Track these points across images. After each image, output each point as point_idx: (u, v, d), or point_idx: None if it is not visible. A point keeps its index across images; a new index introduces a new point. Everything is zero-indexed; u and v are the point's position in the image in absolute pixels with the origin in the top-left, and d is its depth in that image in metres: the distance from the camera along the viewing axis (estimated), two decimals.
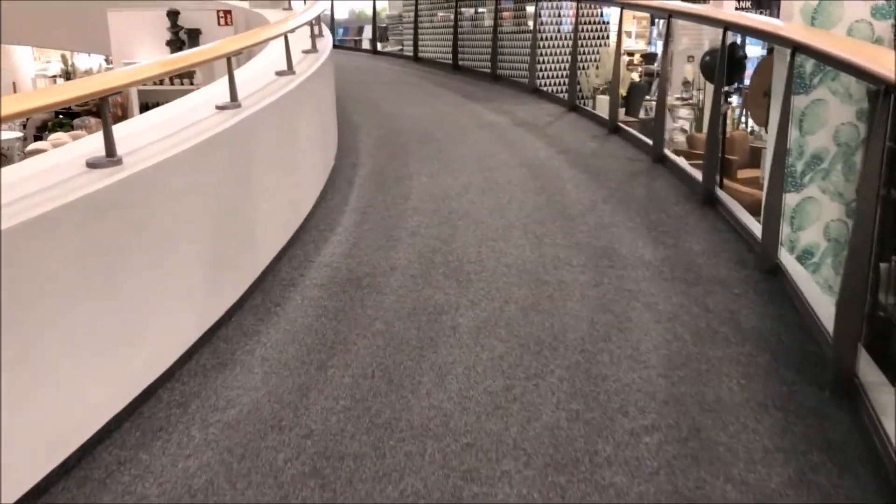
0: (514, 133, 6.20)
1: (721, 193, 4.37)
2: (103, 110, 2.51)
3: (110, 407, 2.36)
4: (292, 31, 4.61)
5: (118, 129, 2.75)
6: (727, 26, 4.20)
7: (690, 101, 12.46)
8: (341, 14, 20.85)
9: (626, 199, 4.51)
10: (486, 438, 2.29)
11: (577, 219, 4.17)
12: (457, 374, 2.65)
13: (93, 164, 2.46)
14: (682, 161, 5.11)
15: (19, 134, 10.06)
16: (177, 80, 7.98)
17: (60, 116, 11.78)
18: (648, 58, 16.99)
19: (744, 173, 7.70)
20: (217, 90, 3.72)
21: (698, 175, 4.67)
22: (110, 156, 2.49)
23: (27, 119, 11.66)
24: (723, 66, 4.29)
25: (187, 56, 3.53)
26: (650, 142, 5.55)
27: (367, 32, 18.96)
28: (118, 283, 2.38)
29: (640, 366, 2.70)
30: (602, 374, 2.65)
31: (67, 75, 14.29)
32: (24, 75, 15.47)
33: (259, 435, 2.33)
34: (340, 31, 20.59)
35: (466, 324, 2.99)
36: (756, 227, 3.87)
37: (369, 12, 20.66)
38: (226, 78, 3.44)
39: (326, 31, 6.68)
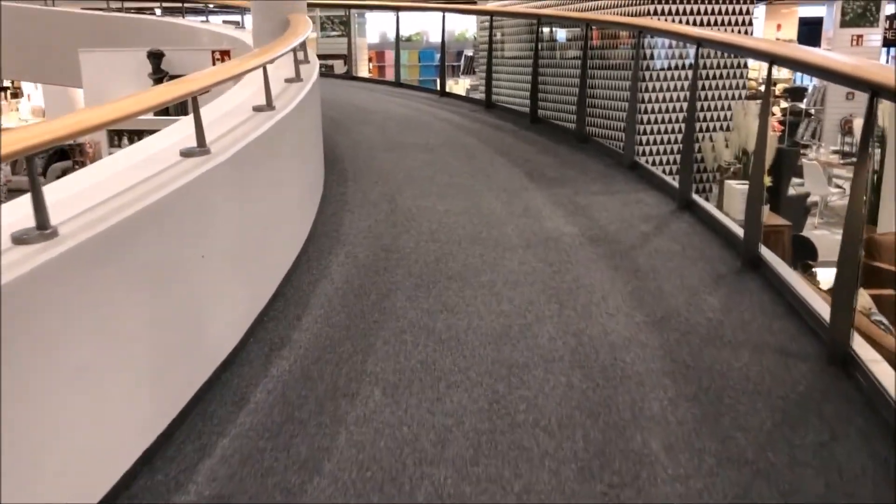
0: (582, 262, 3.79)
1: None
2: None
3: None
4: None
5: None
6: None
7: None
8: (437, 37, 18.59)
9: None
10: None
11: None
12: None
13: None
14: None
15: None
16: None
17: None
18: (795, 93, 13.90)
19: None
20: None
21: None
22: None
23: None
24: None
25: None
26: (821, 311, 3.03)
27: (470, 55, 16.69)
28: None
29: None
30: None
31: None
32: None
33: None
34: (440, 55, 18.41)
35: None
36: None
37: (471, 33, 18.35)
38: None
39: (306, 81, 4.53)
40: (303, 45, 5.37)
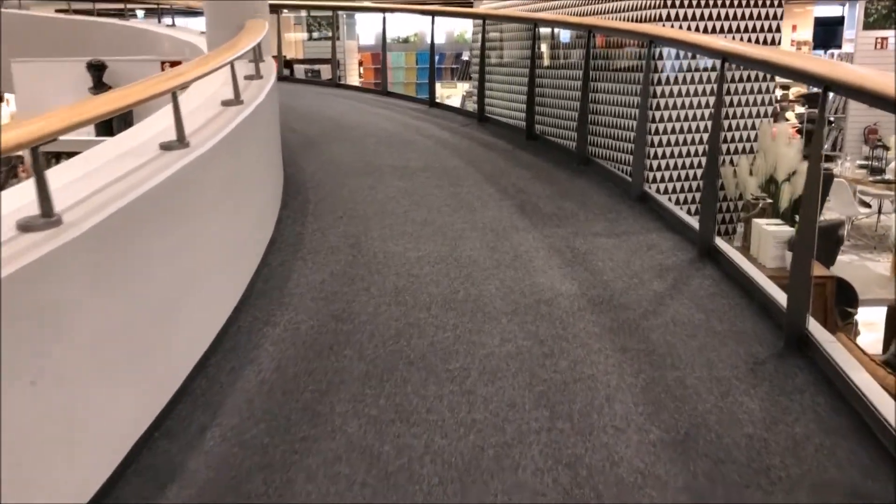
0: (581, 337, 2.99)
1: None
2: None
3: None
4: None
5: None
6: None
7: (887, 178, 8.64)
8: (435, 38, 17.76)
9: None
10: None
11: None
12: None
13: None
14: None
15: None
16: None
17: None
18: (813, 99, 13.05)
19: None
20: None
21: None
22: None
23: None
24: None
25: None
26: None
27: (466, 59, 15.85)
28: None
29: None
30: None
31: None
32: None
33: None
34: (437, 58, 17.58)
35: None
36: None
37: (470, 35, 17.55)
38: None
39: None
40: (256, 53, 4.61)
